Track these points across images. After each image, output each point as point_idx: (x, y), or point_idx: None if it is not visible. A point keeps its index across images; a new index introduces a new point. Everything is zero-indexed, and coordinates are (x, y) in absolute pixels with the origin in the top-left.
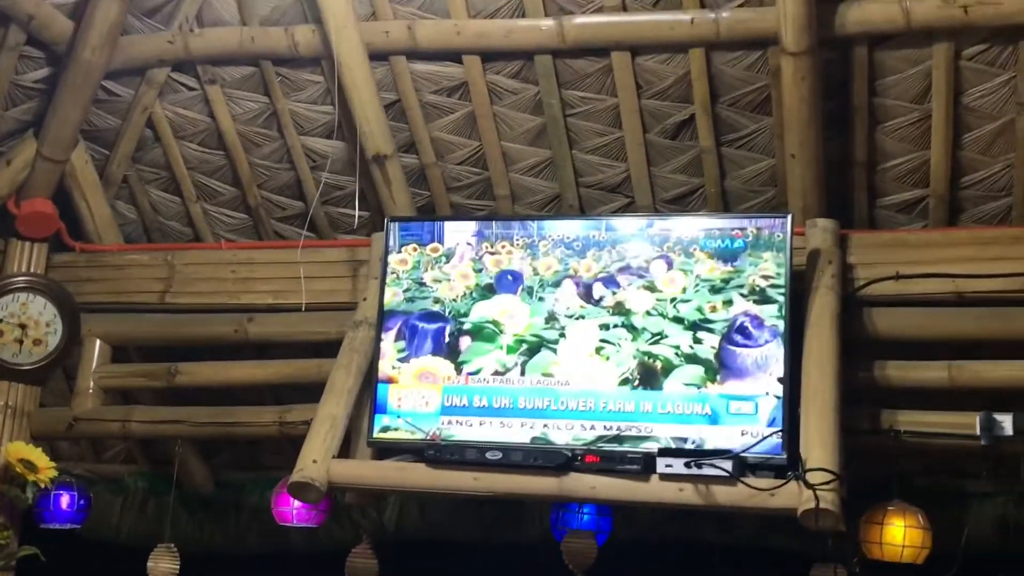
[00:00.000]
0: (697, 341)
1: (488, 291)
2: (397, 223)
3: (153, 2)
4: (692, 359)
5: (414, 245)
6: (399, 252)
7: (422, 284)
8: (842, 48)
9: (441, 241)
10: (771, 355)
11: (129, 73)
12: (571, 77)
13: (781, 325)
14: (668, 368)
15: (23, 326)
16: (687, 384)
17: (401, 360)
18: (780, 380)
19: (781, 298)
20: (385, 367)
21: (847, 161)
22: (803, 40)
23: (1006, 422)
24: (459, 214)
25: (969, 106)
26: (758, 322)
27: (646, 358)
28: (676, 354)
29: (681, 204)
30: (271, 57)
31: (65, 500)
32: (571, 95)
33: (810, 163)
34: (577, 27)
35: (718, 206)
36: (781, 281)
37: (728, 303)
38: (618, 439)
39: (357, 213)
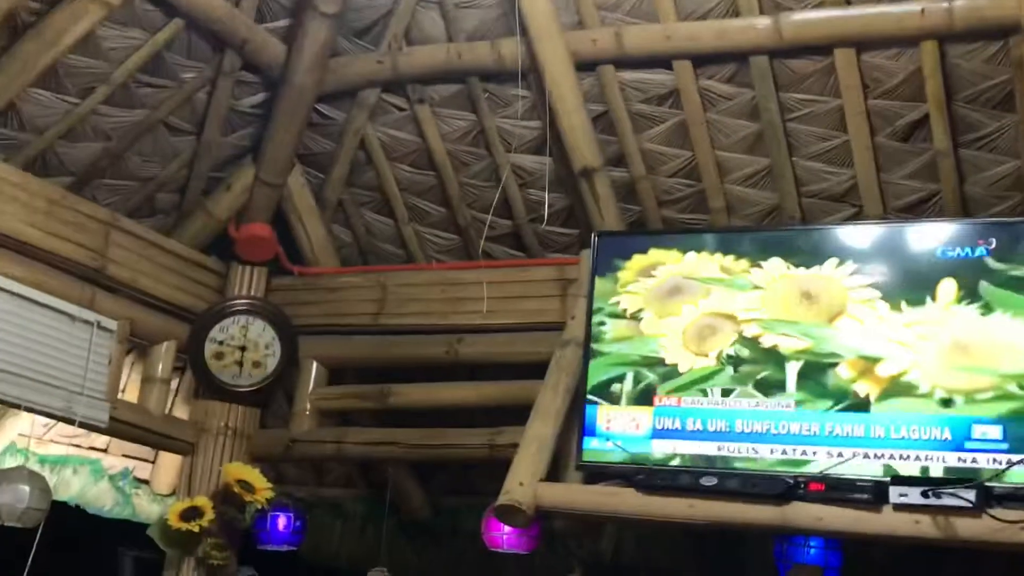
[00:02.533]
0: None
1: None
2: (605, 238)
3: (362, 22)
4: None
5: None
6: None
7: None
8: None
9: None
10: None
11: (341, 95)
12: (790, 79)
13: None
14: None
15: (243, 348)
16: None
17: None
18: None
19: None
20: None
21: None
22: None
23: None
24: (670, 228)
25: None
26: None
27: None
28: None
29: (915, 212)
30: (478, 72)
31: (282, 522)
32: (790, 98)
33: None
34: (795, 24)
35: (957, 214)
36: None
37: None
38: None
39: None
